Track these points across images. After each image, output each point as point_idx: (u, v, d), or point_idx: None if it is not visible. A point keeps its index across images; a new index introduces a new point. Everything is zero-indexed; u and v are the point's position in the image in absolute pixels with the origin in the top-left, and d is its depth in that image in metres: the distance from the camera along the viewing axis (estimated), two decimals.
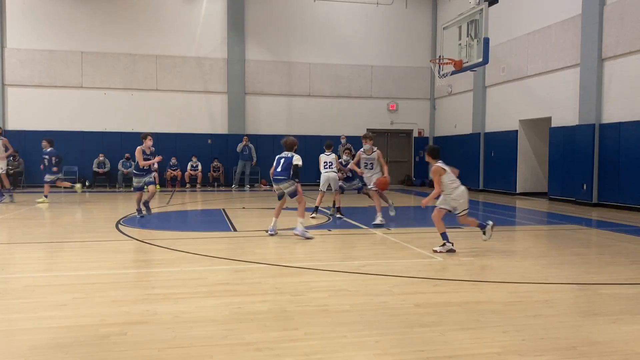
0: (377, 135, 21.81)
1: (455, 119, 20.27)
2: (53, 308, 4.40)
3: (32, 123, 18.54)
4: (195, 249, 7.02)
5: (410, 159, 22.47)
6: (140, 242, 7.63)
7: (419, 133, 22.20)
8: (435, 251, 6.86)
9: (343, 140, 16.61)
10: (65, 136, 18.77)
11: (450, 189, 7.07)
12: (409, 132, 22.27)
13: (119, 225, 9.26)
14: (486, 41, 12.88)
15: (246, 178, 19.42)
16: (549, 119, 15.23)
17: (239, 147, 19.12)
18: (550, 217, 11.70)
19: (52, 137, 18.67)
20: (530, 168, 16.76)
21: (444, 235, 6.99)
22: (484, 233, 7.23)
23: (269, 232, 8.35)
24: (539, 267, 6.22)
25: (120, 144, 19.07)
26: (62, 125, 18.69)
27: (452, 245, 6.96)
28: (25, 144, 18.47)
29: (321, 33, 20.69)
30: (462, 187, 7.18)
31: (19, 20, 18.41)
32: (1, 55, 18.23)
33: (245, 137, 19.25)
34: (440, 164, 7.06)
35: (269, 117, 20.43)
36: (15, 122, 18.51)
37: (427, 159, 7.31)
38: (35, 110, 18.57)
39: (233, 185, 19.37)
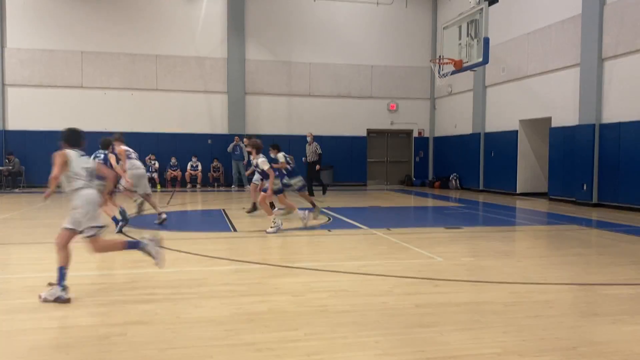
0: (377, 135, 21.88)
1: (456, 119, 20.28)
2: (53, 308, 4.40)
3: (32, 123, 18.53)
4: (195, 249, 7.02)
5: (410, 159, 22.47)
6: None
7: (419, 133, 22.20)
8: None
9: (309, 139, 16.10)
10: None
11: (72, 189, 4.67)
12: (409, 132, 22.27)
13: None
14: (486, 41, 12.90)
15: (243, 178, 19.39)
16: (549, 119, 15.23)
17: (230, 147, 19.11)
18: (550, 217, 11.70)
19: (52, 137, 18.71)
20: (530, 168, 16.76)
21: (61, 279, 4.51)
22: (149, 254, 5.00)
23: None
24: (539, 267, 6.22)
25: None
26: (62, 125, 18.60)
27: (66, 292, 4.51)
28: (25, 143, 18.48)
29: (321, 33, 20.69)
30: (90, 190, 4.75)
31: (19, 20, 18.40)
32: (1, 55, 18.23)
33: (236, 137, 19.19)
34: (72, 152, 4.79)
35: (269, 117, 20.43)
36: (16, 122, 18.51)
37: (63, 146, 4.91)
38: (36, 110, 18.57)
39: (232, 186, 19.38)
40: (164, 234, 8.52)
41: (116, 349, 3.48)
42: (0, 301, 4.64)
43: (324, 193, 15.85)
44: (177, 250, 6.97)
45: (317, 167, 15.65)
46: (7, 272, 6.02)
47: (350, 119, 21.13)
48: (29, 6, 18.44)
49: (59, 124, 19.18)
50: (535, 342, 3.66)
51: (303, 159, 16.06)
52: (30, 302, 4.62)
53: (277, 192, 9.03)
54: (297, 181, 10.47)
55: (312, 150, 15.64)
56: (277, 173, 9.03)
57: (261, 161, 8.79)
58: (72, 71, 18.79)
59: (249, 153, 9.22)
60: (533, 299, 4.78)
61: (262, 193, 8.96)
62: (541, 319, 4.17)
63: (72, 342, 3.60)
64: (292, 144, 20.07)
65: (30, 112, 18.52)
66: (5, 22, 18.28)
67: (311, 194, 15.66)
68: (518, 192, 16.64)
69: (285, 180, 9.70)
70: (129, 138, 18.89)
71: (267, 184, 9.01)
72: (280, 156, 10.09)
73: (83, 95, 18.93)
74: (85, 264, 6.28)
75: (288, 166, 10.19)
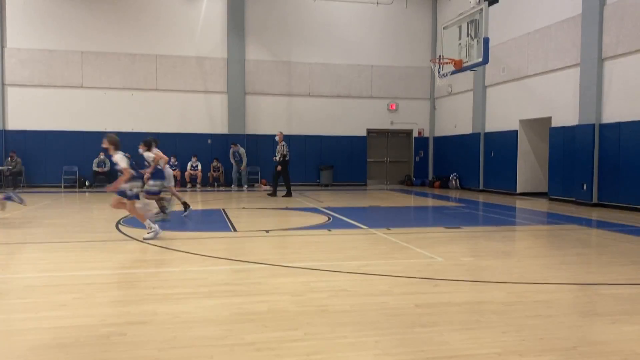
0: (377, 135, 21.88)
1: (455, 119, 20.28)
2: (53, 308, 4.40)
3: (32, 123, 18.54)
4: (195, 249, 7.02)
5: (410, 159, 22.47)
6: (140, 242, 7.63)
7: (419, 133, 22.20)
8: None
9: (277, 138, 15.69)
10: (65, 136, 18.77)
11: None
12: (409, 132, 22.27)
13: (119, 225, 9.26)
14: (486, 41, 12.89)
15: (243, 178, 19.50)
16: (549, 119, 15.23)
17: (230, 154, 19.32)
18: (550, 217, 11.70)
19: (53, 136, 18.76)
20: (530, 168, 16.77)
21: None
22: None
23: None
24: (539, 267, 6.22)
25: (120, 143, 19.05)
26: (62, 125, 18.70)
27: None
28: (25, 143, 18.48)
29: (321, 33, 20.69)
30: None
31: (19, 20, 18.40)
32: (1, 55, 18.23)
33: (232, 144, 19.31)
34: None
35: (269, 117, 20.43)
36: (16, 122, 18.50)
37: None
38: (36, 110, 18.57)
39: (232, 185, 19.43)
40: (165, 234, 8.53)
41: (116, 348, 3.48)
42: (0, 301, 4.64)
43: (287, 194, 15.60)
44: (177, 250, 6.97)
45: (278, 167, 15.56)
46: (7, 272, 6.02)
47: (350, 119, 21.13)
48: (29, 6, 18.44)
49: (59, 124, 19.38)
50: (535, 341, 3.66)
51: (274, 157, 16.06)
52: (30, 301, 4.62)
53: (131, 196, 7.92)
54: (133, 186, 8.06)
55: (277, 150, 15.62)
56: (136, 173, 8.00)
57: (118, 158, 7.80)
58: (72, 71, 18.80)
59: (105, 150, 8.03)
60: (533, 298, 4.78)
61: (116, 196, 7.93)
62: (541, 318, 4.17)
63: (72, 341, 3.59)
64: (292, 143, 20.11)
65: (30, 112, 18.53)
66: (5, 22, 18.28)
67: (275, 194, 15.53)
68: (518, 192, 16.65)
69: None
70: (129, 138, 18.99)
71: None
72: (118, 157, 7.92)
73: (83, 95, 18.93)
74: (85, 263, 6.29)
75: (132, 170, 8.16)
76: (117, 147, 7.91)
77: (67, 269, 6.06)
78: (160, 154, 10.02)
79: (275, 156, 15.79)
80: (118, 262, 6.44)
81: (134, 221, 9.81)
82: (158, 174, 9.85)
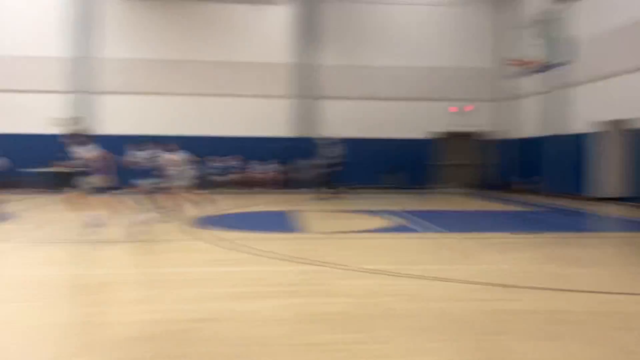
0: (452, 138, 21.30)
1: (524, 121, 19.43)
2: (130, 303, 4.62)
3: (124, 128, 19.42)
4: (263, 250, 7.09)
5: (484, 162, 21.58)
6: (216, 242, 7.82)
7: (495, 135, 21.42)
8: None
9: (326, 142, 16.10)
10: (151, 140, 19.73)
11: None
12: (479, 135, 21.51)
13: (194, 226, 9.50)
14: (566, 40, 12.18)
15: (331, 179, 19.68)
16: (631, 121, 14.13)
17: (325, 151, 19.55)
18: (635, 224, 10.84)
19: (139, 141, 19.66)
20: (614, 171, 15.55)
21: None
22: None
23: None
24: (631, 275, 5.76)
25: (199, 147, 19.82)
26: (151, 130, 19.52)
27: None
28: (113, 148, 19.61)
29: (389, 36, 20.77)
30: None
31: (119, 31, 19.69)
32: (97, 64, 19.47)
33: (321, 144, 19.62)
34: None
35: (336, 120, 20.41)
36: (109, 127, 19.48)
37: None
38: (127, 117, 19.64)
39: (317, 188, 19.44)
40: (235, 234, 8.72)
41: (191, 344, 3.60)
42: (81, 296, 4.94)
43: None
44: (248, 251, 7.08)
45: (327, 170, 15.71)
46: (86, 269, 6.40)
47: (415, 122, 20.74)
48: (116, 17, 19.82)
49: (147, 129, 20.05)
50: (624, 355, 3.38)
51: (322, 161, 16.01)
52: (109, 297, 4.89)
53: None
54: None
55: (325, 154, 15.65)
56: None
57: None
58: (157, 78, 19.80)
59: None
60: (621, 309, 4.45)
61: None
62: (630, 331, 3.86)
63: (152, 335, 3.74)
64: (357, 146, 19.98)
65: (122, 118, 19.52)
66: (103, 34, 19.52)
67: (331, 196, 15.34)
68: (601, 196, 15.58)
69: None
70: (194, 141, 19.69)
71: None
72: None
73: (169, 102, 19.92)
74: (157, 261, 6.56)
75: None
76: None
77: (141, 267, 6.35)
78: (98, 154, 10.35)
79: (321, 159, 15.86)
80: (190, 260, 6.66)
81: (206, 221, 10.11)
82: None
